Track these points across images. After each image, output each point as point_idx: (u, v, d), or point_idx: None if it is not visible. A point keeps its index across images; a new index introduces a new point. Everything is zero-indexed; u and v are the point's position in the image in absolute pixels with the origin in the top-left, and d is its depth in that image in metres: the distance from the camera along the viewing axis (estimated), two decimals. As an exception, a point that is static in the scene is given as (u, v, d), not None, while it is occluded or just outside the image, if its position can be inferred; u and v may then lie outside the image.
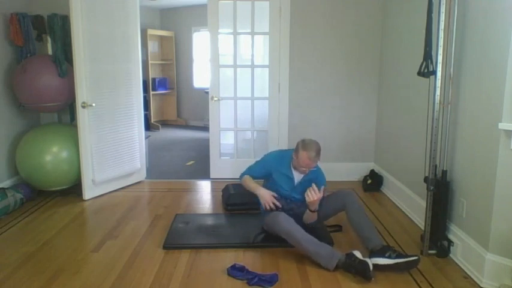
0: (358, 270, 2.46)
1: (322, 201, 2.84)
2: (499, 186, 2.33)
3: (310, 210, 2.83)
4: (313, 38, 4.36)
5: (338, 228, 3.19)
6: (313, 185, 2.74)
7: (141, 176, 4.53)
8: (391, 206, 3.79)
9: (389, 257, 2.53)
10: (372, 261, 2.51)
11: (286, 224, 2.71)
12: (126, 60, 4.15)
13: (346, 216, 2.87)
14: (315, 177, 2.93)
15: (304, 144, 2.83)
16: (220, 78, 4.44)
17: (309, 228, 2.81)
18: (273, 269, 2.60)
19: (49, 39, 4.14)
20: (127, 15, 4.12)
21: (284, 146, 4.35)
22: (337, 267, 2.56)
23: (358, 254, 2.53)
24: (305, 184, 2.86)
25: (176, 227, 3.21)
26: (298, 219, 2.87)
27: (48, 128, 4.07)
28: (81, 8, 3.62)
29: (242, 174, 3.07)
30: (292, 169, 2.95)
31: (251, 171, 3.06)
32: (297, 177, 2.96)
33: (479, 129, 2.50)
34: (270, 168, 3.00)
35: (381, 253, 2.56)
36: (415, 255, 2.55)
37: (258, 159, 3.16)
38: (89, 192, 3.90)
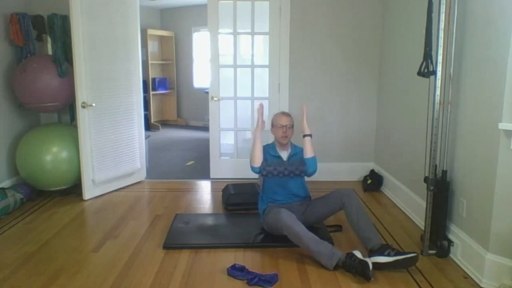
0: (358, 270, 2.46)
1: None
2: (499, 186, 2.33)
3: (304, 135, 3.02)
4: (314, 38, 4.36)
5: (338, 228, 3.19)
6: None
7: (141, 176, 4.53)
8: (391, 206, 3.79)
9: (388, 255, 2.54)
10: (371, 260, 2.51)
11: (288, 220, 2.71)
12: (126, 60, 4.15)
13: (345, 215, 2.87)
14: (299, 151, 3.11)
15: (273, 115, 3.20)
16: (220, 78, 4.44)
17: (309, 228, 2.81)
18: (273, 269, 2.60)
19: (49, 39, 4.14)
20: (127, 15, 4.12)
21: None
22: (337, 267, 2.56)
23: (358, 254, 2.53)
24: (292, 160, 3.06)
25: (176, 227, 3.21)
26: (298, 214, 2.91)
27: (48, 128, 4.07)
28: (81, 8, 3.62)
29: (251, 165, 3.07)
30: (278, 150, 3.10)
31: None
32: (284, 155, 3.10)
33: (479, 129, 2.50)
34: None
35: (380, 252, 2.58)
36: (414, 252, 2.56)
37: None
38: (89, 192, 3.90)
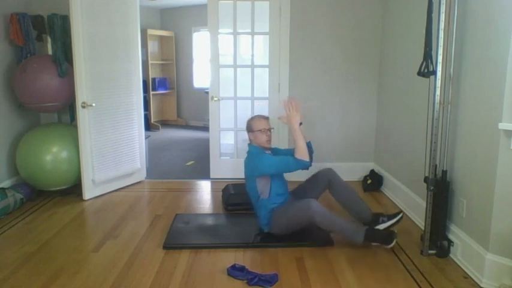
0: (383, 238, 2.76)
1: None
2: (499, 186, 2.33)
3: (295, 127, 2.94)
4: (313, 37, 4.36)
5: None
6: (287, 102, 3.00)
7: (141, 176, 4.53)
8: (391, 206, 3.79)
9: (383, 222, 2.89)
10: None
11: (319, 207, 2.78)
12: (126, 60, 4.15)
13: (332, 193, 3.07)
14: (276, 150, 3.22)
15: (249, 119, 3.17)
16: (220, 78, 4.44)
17: (308, 227, 2.93)
18: (273, 269, 2.60)
19: (49, 39, 4.14)
20: (127, 15, 4.12)
21: (284, 146, 4.35)
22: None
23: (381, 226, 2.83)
24: None
25: (176, 227, 3.21)
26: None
27: (48, 128, 4.07)
28: (81, 8, 3.62)
29: (275, 166, 2.96)
30: (266, 152, 3.10)
31: (278, 159, 3.00)
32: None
33: (479, 129, 2.50)
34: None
35: (375, 222, 2.90)
36: (399, 212, 2.95)
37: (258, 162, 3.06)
38: (89, 192, 3.90)
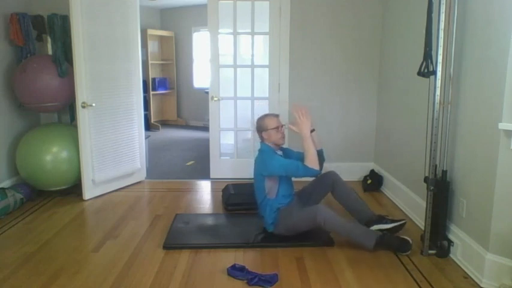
0: (397, 245, 2.77)
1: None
2: (499, 186, 2.33)
3: (306, 135, 2.87)
4: (313, 37, 4.36)
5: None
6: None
7: (141, 176, 4.53)
8: (391, 206, 3.79)
9: (386, 223, 2.94)
10: (374, 228, 2.90)
11: (329, 212, 2.79)
12: (126, 60, 4.15)
13: (334, 194, 3.12)
14: (284, 150, 3.21)
15: (259, 118, 3.14)
16: (220, 78, 4.44)
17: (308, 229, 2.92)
18: (273, 269, 2.60)
19: (49, 39, 4.15)
20: (127, 15, 4.12)
21: (284, 145, 4.35)
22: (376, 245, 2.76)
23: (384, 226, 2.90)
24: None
25: (176, 227, 3.21)
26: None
27: (48, 128, 4.07)
28: (81, 8, 3.62)
29: (284, 168, 2.92)
30: (278, 153, 3.09)
31: (288, 162, 2.96)
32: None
33: (479, 129, 2.50)
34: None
35: (379, 221, 2.97)
36: (403, 219, 3.00)
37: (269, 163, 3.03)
38: (89, 192, 3.90)
